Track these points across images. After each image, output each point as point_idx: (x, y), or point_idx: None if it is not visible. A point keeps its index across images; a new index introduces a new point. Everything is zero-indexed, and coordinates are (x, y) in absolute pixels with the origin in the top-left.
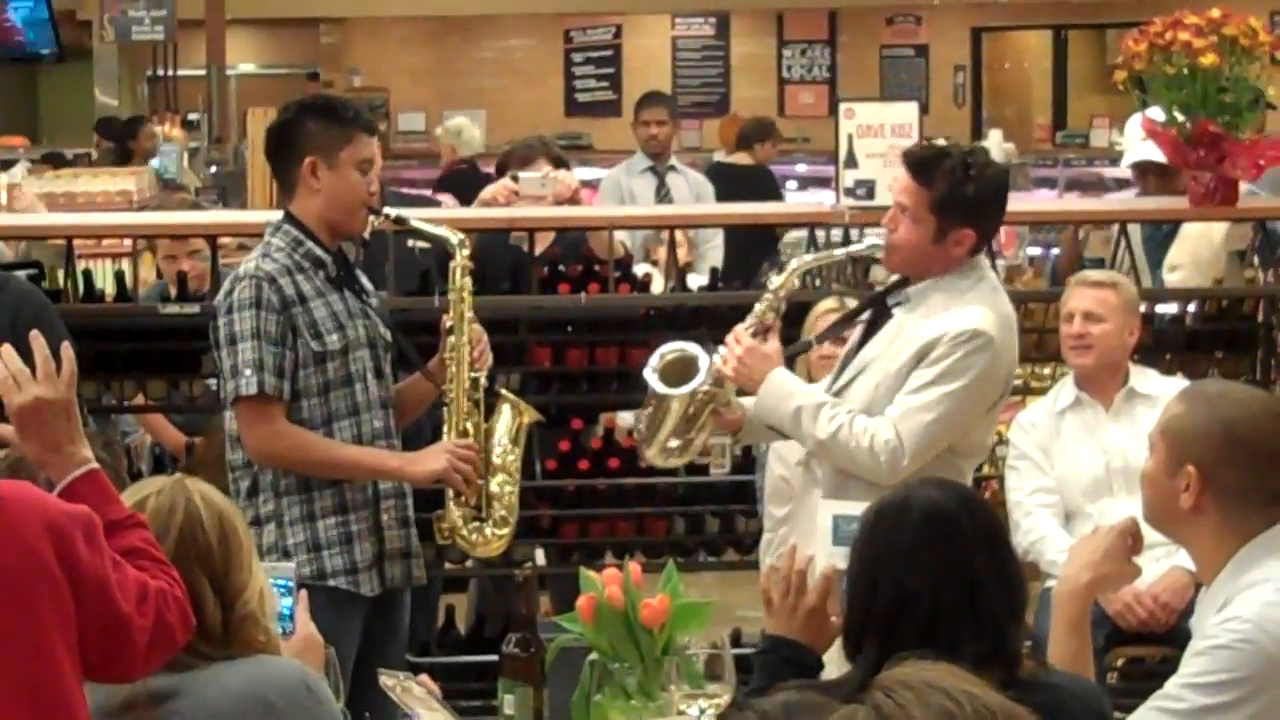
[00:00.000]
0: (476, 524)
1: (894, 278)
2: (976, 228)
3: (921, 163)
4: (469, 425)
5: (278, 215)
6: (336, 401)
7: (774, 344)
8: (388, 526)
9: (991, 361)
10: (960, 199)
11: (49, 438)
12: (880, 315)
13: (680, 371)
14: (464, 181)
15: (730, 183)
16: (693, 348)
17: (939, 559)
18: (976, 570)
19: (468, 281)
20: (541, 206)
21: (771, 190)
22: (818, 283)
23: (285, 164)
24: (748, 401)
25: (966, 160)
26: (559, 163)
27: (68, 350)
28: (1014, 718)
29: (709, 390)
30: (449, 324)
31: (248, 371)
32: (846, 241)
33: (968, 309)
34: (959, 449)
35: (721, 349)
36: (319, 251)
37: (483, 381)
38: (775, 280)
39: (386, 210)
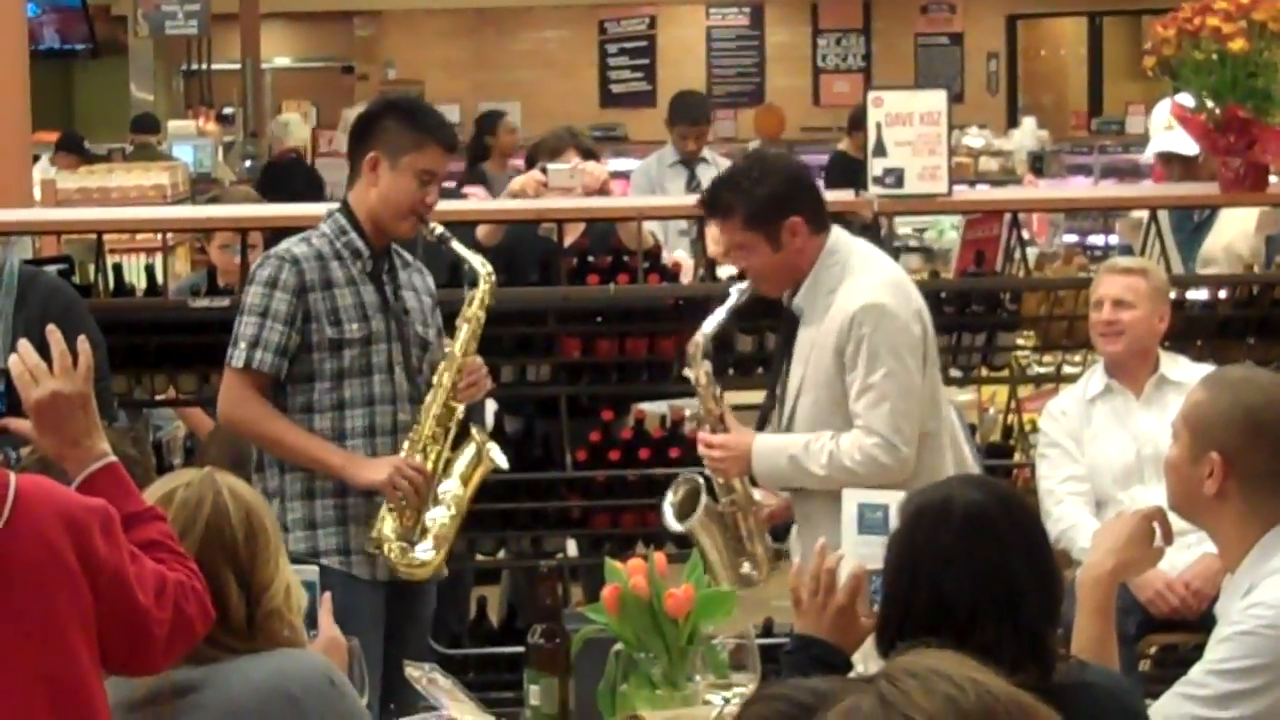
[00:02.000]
0: (405, 544)
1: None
2: (796, 212)
3: (711, 203)
4: (430, 452)
5: (310, 209)
6: (351, 389)
7: (734, 425)
8: (370, 517)
9: (891, 323)
10: (762, 204)
11: (66, 432)
12: (791, 332)
13: (693, 502)
14: (290, 172)
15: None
16: (690, 479)
17: (979, 562)
18: (1015, 574)
19: (481, 314)
20: (571, 198)
21: None
22: None
23: (355, 153)
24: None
25: (744, 172)
26: (588, 154)
27: (84, 345)
28: (1019, 705)
29: (729, 502)
30: (447, 349)
31: (242, 345)
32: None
33: (846, 293)
34: None
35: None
36: (359, 243)
37: (458, 413)
38: (690, 373)
39: (433, 225)
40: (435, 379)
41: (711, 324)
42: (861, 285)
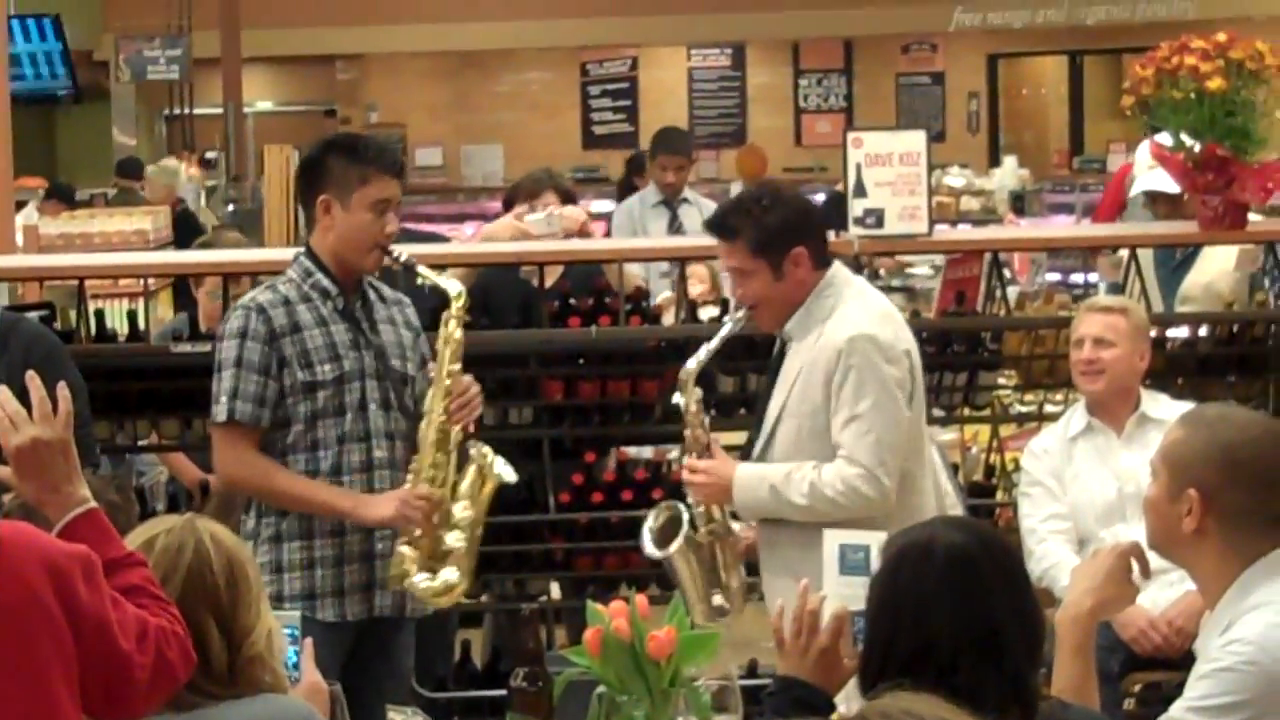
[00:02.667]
0: (429, 573)
1: None
2: (802, 243)
3: (719, 224)
4: (435, 477)
5: (293, 253)
6: (324, 430)
7: (719, 455)
8: (382, 554)
9: (880, 358)
10: (769, 230)
11: (47, 478)
12: (779, 362)
13: (672, 530)
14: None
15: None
16: (671, 506)
17: (962, 605)
18: (998, 616)
19: (458, 334)
20: (552, 241)
21: None
22: None
23: (307, 199)
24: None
25: (755, 198)
26: (566, 195)
27: (64, 391)
28: None
29: (709, 531)
30: (430, 374)
31: (223, 399)
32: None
33: (836, 323)
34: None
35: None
36: (326, 282)
37: (455, 435)
38: (680, 399)
39: (396, 253)
40: (425, 407)
41: (704, 352)
42: (854, 316)
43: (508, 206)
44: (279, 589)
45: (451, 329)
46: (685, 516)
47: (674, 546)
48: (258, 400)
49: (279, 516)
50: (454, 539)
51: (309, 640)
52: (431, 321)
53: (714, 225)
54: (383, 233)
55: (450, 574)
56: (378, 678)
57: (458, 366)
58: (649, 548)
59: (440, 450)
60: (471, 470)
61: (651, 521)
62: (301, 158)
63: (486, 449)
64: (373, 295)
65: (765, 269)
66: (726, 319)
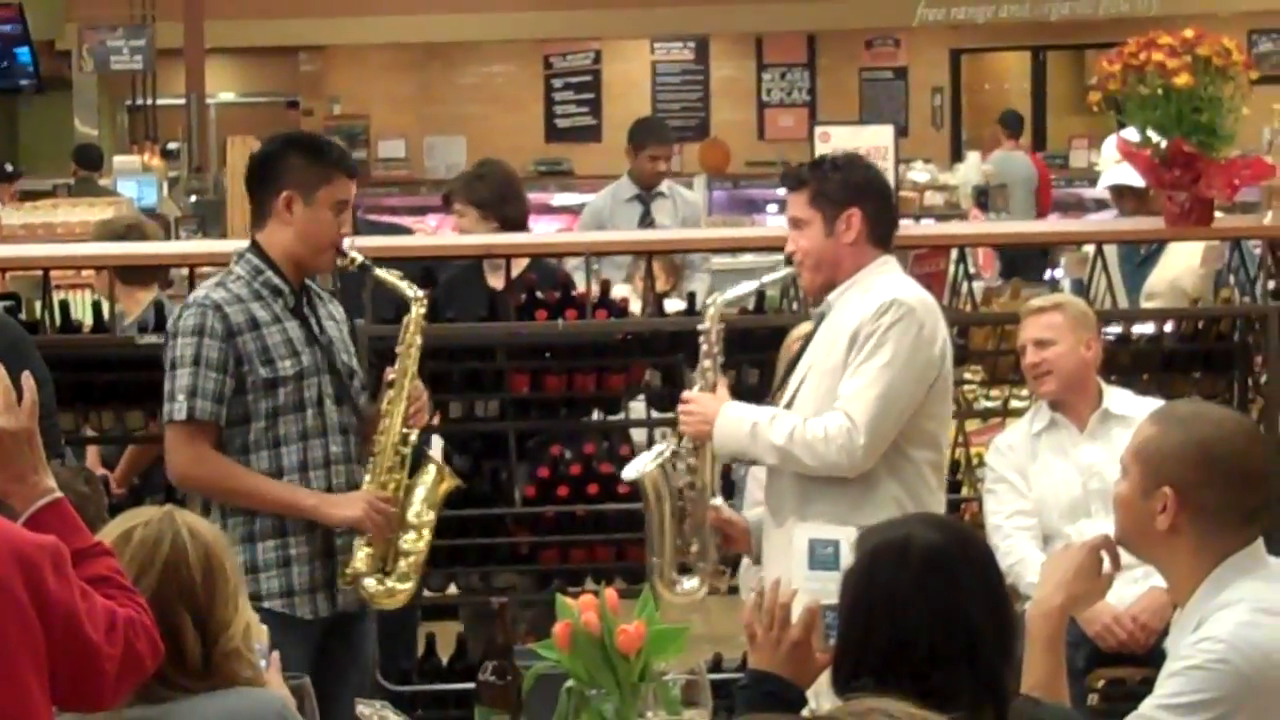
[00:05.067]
0: (380, 575)
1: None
2: (859, 206)
3: (792, 175)
4: (392, 480)
5: None
6: (286, 426)
7: (722, 393)
8: (341, 550)
9: (916, 329)
10: (832, 185)
11: (12, 468)
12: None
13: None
14: None
15: None
16: (660, 447)
17: (937, 604)
18: (973, 615)
19: (418, 339)
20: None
21: None
22: (794, 306)
23: (262, 194)
24: (750, 514)
25: (831, 159)
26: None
27: (29, 381)
28: None
29: (689, 481)
30: (390, 377)
31: (180, 397)
32: None
33: (883, 288)
34: (910, 437)
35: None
36: (277, 281)
37: (413, 439)
38: (704, 326)
39: (352, 254)
40: (385, 408)
41: (739, 289)
42: (892, 287)
43: (446, 203)
44: (255, 588)
45: (413, 334)
46: (668, 454)
47: (648, 469)
48: (216, 398)
49: (248, 515)
50: (408, 542)
51: (276, 654)
52: (399, 313)
53: (786, 174)
54: (338, 233)
55: (402, 579)
56: (342, 669)
57: (415, 370)
58: (628, 470)
59: (397, 453)
60: (431, 470)
61: (640, 459)
62: (258, 153)
63: (435, 452)
64: (313, 293)
65: (819, 222)
66: (768, 278)
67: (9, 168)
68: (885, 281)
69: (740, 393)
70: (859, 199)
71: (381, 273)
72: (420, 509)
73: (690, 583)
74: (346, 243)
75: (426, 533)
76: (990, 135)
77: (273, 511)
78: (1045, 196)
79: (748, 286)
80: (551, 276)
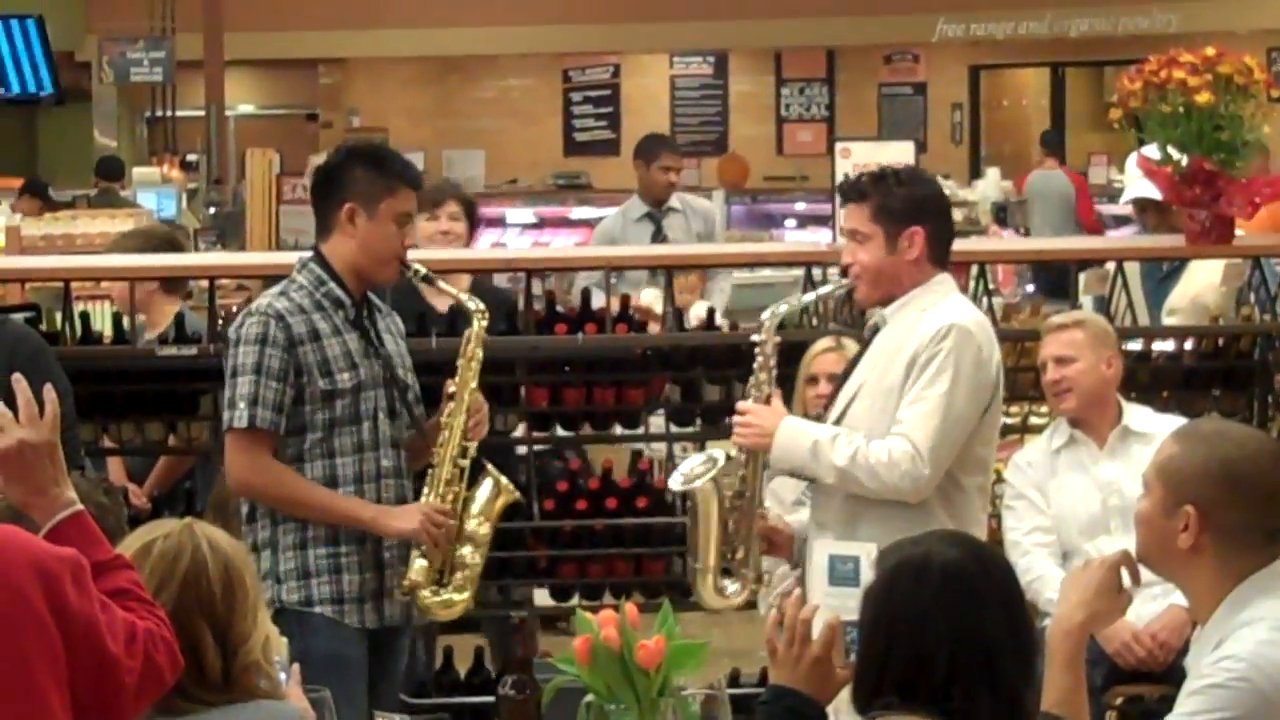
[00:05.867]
0: (436, 587)
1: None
2: (922, 224)
3: (853, 187)
4: (450, 492)
5: (277, 258)
6: (342, 438)
7: (777, 404)
8: (390, 564)
9: (975, 352)
10: (896, 200)
11: (33, 481)
12: (866, 347)
13: (706, 472)
14: None
15: None
16: (711, 456)
17: (957, 622)
18: (993, 634)
19: (479, 352)
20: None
21: None
22: (814, 322)
23: (326, 205)
24: (792, 519)
25: (893, 172)
26: (468, 205)
27: (50, 393)
28: None
29: (738, 491)
30: (451, 389)
31: (241, 405)
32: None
33: (942, 310)
34: (962, 463)
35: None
36: (339, 293)
37: (471, 451)
38: (759, 338)
39: (416, 266)
40: (445, 420)
41: (795, 300)
42: (962, 310)
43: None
44: (307, 594)
45: (474, 347)
46: (720, 463)
47: (699, 482)
48: (276, 407)
49: (300, 522)
50: (465, 555)
51: (296, 666)
52: (421, 327)
53: (846, 187)
54: (402, 245)
55: (458, 591)
56: (374, 683)
57: (475, 383)
58: (676, 481)
59: (455, 466)
60: (488, 483)
61: (686, 466)
62: (323, 164)
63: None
64: (374, 306)
65: (881, 237)
66: (830, 281)
67: (46, 186)
68: (944, 303)
69: (730, 409)
70: (923, 217)
71: (444, 285)
72: (479, 521)
73: (733, 586)
74: (410, 255)
75: (484, 544)
76: (1025, 154)
77: (330, 522)
78: (1087, 211)
79: (805, 297)
80: (492, 297)
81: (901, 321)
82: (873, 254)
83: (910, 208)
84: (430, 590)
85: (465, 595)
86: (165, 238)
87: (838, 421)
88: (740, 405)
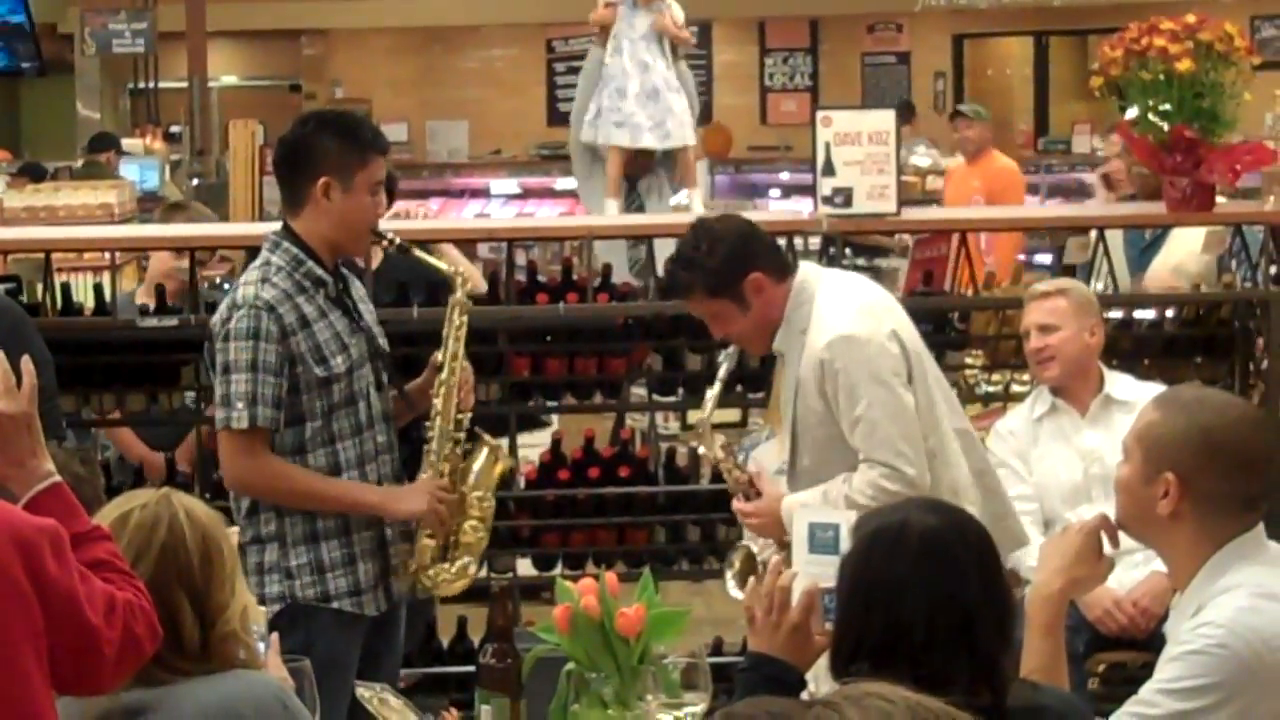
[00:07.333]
0: (445, 564)
1: None
2: (755, 268)
3: (671, 285)
4: (445, 467)
5: (257, 228)
6: (340, 421)
7: (766, 490)
8: (391, 541)
9: (862, 351)
10: (717, 272)
11: (11, 452)
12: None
13: (749, 566)
14: None
15: None
16: (743, 547)
17: (934, 589)
18: (971, 600)
19: (464, 320)
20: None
21: None
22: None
23: (297, 179)
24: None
25: (693, 246)
26: (390, 181)
27: (28, 364)
28: (952, 718)
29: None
30: (439, 360)
31: (240, 404)
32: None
33: (814, 331)
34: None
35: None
36: (319, 271)
37: (464, 423)
38: (706, 453)
39: (390, 235)
40: (437, 393)
41: (711, 400)
42: (828, 320)
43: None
44: (323, 589)
45: (457, 316)
46: (759, 556)
47: (747, 585)
48: (275, 403)
49: (308, 515)
50: (471, 527)
51: (275, 635)
52: (400, 297)
53: (667, 287)
54: (376, 215)
55: (466, 565)
56: (378, 657)
57: (463, 350)
58: (733, 591)
59: (452, 438)
60: (484, 454)
61: (730, 569)
62: (290, 136)
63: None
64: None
65: (730, 306)
66: (721, 357)
67: (44, 172)
68: (814, 316)
69: (713, 377)
70: (748, 264)
71: (421, 254)
72: (481, 494)
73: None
74: (382, 224)
75: (486, 517)
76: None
77: (336, 511)
78: None
79: (715, 391)
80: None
81: (792, 349)
82: (735, 321)
83: (734, 266)
84: (437, 568)
85: (471, 568)
86: (199, 212)
87: (793, 460)
88: (737, 507)
